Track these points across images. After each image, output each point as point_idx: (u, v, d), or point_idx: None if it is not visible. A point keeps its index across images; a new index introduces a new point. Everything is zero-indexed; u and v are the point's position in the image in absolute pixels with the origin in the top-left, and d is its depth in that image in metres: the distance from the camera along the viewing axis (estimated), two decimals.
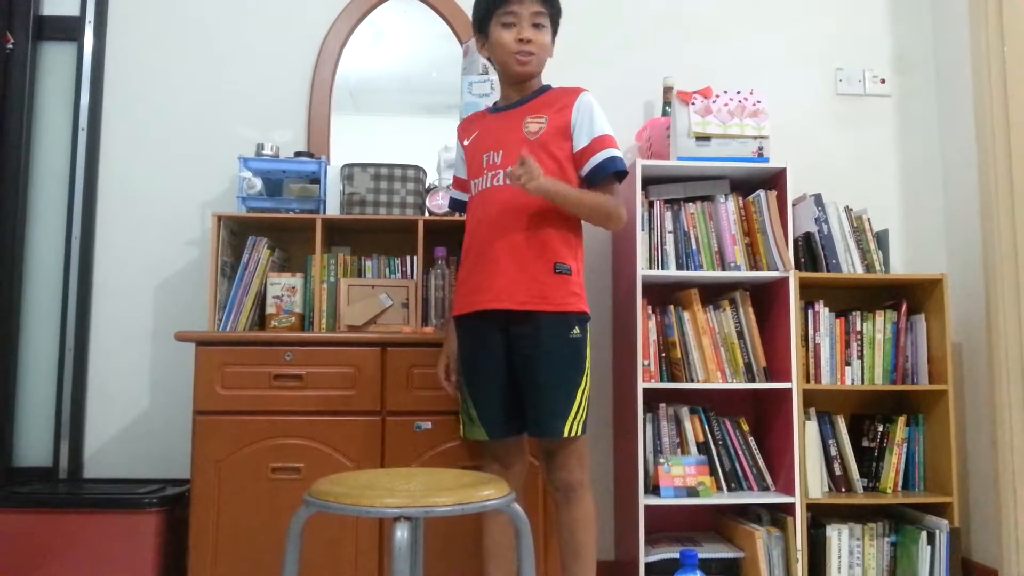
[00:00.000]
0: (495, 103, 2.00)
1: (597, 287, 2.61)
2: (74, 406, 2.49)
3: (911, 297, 2.52)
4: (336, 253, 2.44)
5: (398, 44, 2.74)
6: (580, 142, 1.82)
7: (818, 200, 2.47)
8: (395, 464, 2.07)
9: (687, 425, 2.37)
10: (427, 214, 2.41)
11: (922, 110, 2.82)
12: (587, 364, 1.82)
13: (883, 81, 2.81)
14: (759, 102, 2.39)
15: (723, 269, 2.37)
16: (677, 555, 2.08)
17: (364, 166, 2.39)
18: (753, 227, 2.39)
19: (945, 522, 2.31)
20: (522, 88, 1.90)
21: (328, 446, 2.07)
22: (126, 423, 2.53)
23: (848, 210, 2.50)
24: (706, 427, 2.38)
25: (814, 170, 2.66)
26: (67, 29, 2.63)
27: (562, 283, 1.78)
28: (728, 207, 2.38)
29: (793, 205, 2.45)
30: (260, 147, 2.45)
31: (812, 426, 2.38)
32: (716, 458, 2.36)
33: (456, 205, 2.05)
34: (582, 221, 1.86)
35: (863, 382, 2.44)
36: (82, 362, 2.52)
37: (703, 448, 2.36)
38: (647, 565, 2.21)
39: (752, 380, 2.35)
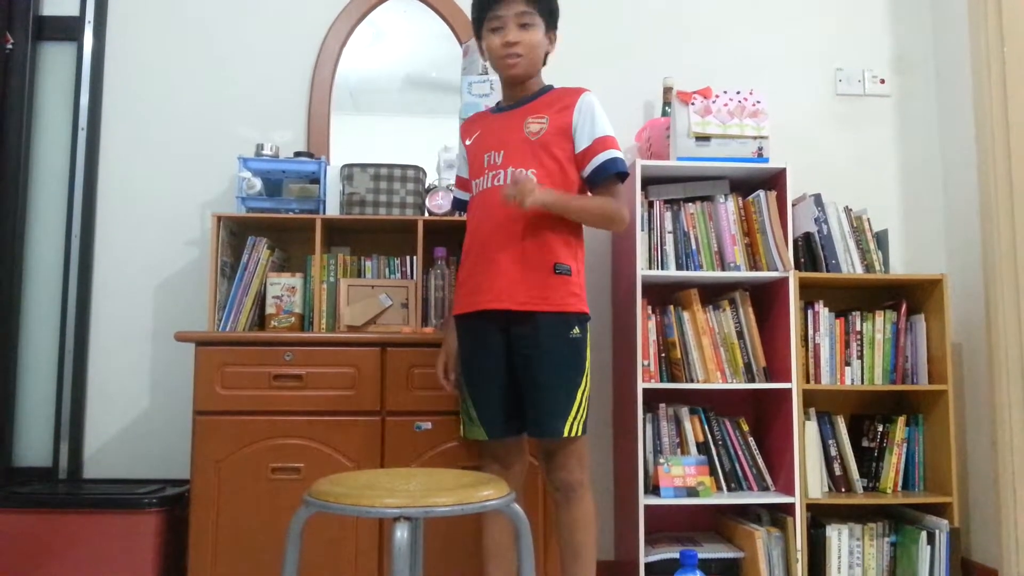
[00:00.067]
0: (498, 103, 2.00)
1: (597, 287, 2.61)
2: (74, 406, 2.49)
3: (911, 297, 2.52)
4: (336, 253, 2.44)
5: (398, 44, 2.74)
6: (581, 143, 1.82)
7: (818, 200, 2.47)
8: (395, 464, 2.07)
9: (687, 425, 2.37)
10: (427, 214, 2.41)
11: (922, 110, 2.82)
12: (587, 364, 1.82)
13: (883, 81, 2.82)
14: (759, 102, 2.40)
15: (723, 269, 2.37)
16: (677, 555, 2.08)
17: (364, 166, 2.39)
18: (753, 227, 2.39)
19: (945, 522, 2.31)
20: (523, 88, 1.90)
21: (328, 446, 2.07)
22: (126, 423, 2.53)
23: (848, 210, 2.50)
24: (706, 427, 2.38)
25: (814, 170, 2.66)
26: (67, 29, 2.63)
27: (562, 283, 1.78)
28: (728, 207, 2.39)
29: (793, 205, 2.45)
30: (260, 147, 2.45)
31: (812, 426, 2.38)
32: (716, 458, 2.36)
33: (459, 205, 2.05)
34: (580, 225, 1.86)
35: (863, 382, 2.44)
36: (82, 362, 2.52)
37: (703, 448, 2.36)
38: (647, 565, 2.21)
39: (752, 380, 2.35)
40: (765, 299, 2.44)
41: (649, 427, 2.34)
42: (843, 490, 2.41)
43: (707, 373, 2.34)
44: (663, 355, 2.38)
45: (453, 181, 2.42)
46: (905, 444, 2.45)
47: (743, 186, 2.48)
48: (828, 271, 2.44)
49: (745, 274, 2.35)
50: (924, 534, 2.31)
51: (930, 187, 2.78)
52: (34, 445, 2.52)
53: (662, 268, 2.36)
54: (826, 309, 2.45)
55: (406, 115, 2.71)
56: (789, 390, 2.30)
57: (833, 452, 2.42)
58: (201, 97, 2.65)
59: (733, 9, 2.81)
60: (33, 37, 2.60)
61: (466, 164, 1.99)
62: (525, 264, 1.77)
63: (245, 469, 2.05)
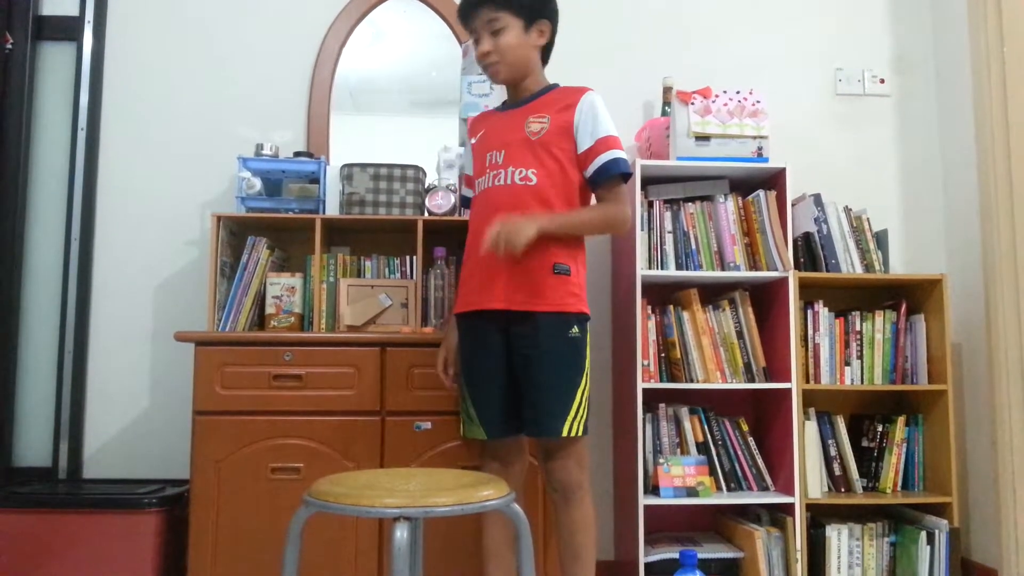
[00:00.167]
0: (504, 101, 2.00)
1: (597, 287, 2.61)
2: (74, 406, 2.49)
3: (911, 297, 2.52)
4: (335, 253, 2.44)
5: (398, 44, 2.74)
6: (583, 143, 1.82)
7: (817, 200, 2.47)
8: (395, 464, 2.07)
9: (687, 425, 2.37)
10: (426, 214, 2.41)
11: (922, 110, 2.82)
12: (587, 364, 1.81)
13: (883, 81, 2.81)
14: (759, 102, 2.39)
15: (723, 269, 2.37)
16: (677, 555, 2.08)
17: (363, 166, 2.39)
18: (752, 227, 2.39)
19: (945, 522, 2.31)
20: (523, 88, 1.90)
21: (328, 446, 2.07)
22: (126, 423, 2.53)
23: (848, 210, 2.50)
24: (706, 427, 2.38)
25: (814, 170, 2.66)
26: (66, 29, 2.63)
27: (561, 283, 1.78)
28: (727, 207, 2.38)
29: (792, 205, 2.45)
30: (259, 147, 2.45)
31: (812, 426, 2.38)
32: (716, 458, 2.36)
33: (465, 202, 2.05)
34: None
35: (862, 382, 2.44)
36: (82, 362, 2.52)
37: (703, 448, 2.36)
38: (647, 565, 2.21)
39: (752, 380, 2.35)
40: (765, 299, 2.44)
41: (649, 427, 2.34)
42: (843, 490, 2.41)
43: (707, 373, 2.34)
44: (663, 355, 2.38)
45: (453, 181, 2.43)
46: (905, 444, 2.45)
47: (743, 186, 2.48)
48: (828, 271, 2.44)
49: (745, 274, 2.35)
50: (924, 534, 2.31)
51: (930, 187, 2.78)
52: (34, 445, 2.52)
53: (662, 268, 2.36)
54: (826, 309, 2.45)
55: (406, 115, 2.71)
56: (789, 390, 2.30)
57: (833, 452, 2.42)
58: (201, 97, 2.65)
59: (733, 9, 2.81)
60: (33, 37, 2.60)
61: (472, 162, 1.99)
62: (523, 264, 1.77)
63: (245, 469, 2.05)
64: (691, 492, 2.26)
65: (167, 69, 2.65)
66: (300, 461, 2.06)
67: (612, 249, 2.64)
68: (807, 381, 2.40)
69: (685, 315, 2.36)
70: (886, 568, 2.38)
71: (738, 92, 2.40)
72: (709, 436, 2.37)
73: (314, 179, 2.49)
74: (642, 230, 2.35)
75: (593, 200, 1.89)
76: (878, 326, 2.46)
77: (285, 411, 2.07)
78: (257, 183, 2.40)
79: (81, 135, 2.57)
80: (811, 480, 2.32)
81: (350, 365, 2.10)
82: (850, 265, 2.46)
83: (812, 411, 2.40)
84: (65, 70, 2.63)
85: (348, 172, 2.39)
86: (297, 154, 2.47)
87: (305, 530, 1.43)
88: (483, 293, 1.81)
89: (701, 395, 2.45)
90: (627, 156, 1.84)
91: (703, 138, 2.37)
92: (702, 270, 2.37)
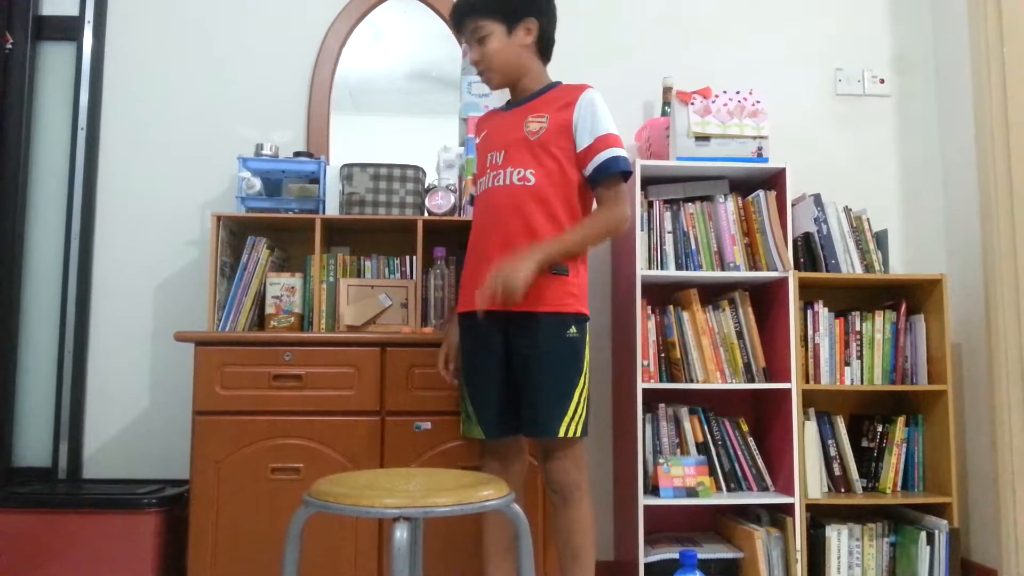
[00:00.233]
0: (508, 100, 1.99)
1: (597, 287, 2.61)
2: (74, 406, 2.49)
3: (910, 297, 2.52)
4: (335, 253, 2.44)
5: (398, 44, 2.74)
6: (582, 142, 1.81)
7: (817, 200, 2.47)
8: (394, 464, 2.07)
9: (686, 425, 2.37)
10: (426, 214, 2.41)
11: (922, 110, 2.82)
12: (585, 365, 1.81)
13: (883, 81, 2.81)
14: (758, 102, 2.39)
15: (722, 269, 2.37)
16: (677, 555, 2.09)
17: (363, 166, 2.39)
18: (752, 227, 2.38)
19: (944, 522, 2.31)
20: (522, 88, 1.90)
21: (327, 446, 2.07)
22: (126, 423, 2.53)
23: (847, 210, 2.50)
24: (705, 427, 2.38)
25: (813, 170, 2.66)
26: (66, 29, 2.63)
27: (559, 284, 1.78)
28: (727, 207, 2.38)
29: (792, 205, 2.45)
30: (259, 147, 2.45)
31: (811, 426, 2.38)
32: (715, 458, 2.36)
33: (473, 201, 2.05)
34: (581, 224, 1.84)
35: (862, 382, 2.44)
36: (82, 362, 2.52)
37: (702, 448, 2.36)
38: (647, 565, 2.21)
39: (751, 380, 2.35)
40: (765, 299, 2.44)
41: (649, 427, 2.34)
42: (843, 490, 2.41)
43: (707, 373, 2.34)
44: (663, 355, 2.38)
45: (453, 181, 2.44)
46: (905, 444, 2.45)
47: (743, 186, 2.48)
48: (828, 271, 2.44)
49: (745, 274, 2.35)
50: (924, 534, 2.31)
51: (930, 187, 2.78)
52: (34, 445, 2.52)
53: (662, 268, 2.36)
54: (826, 309, 2.45)
55: (406, 115, 2.71)
56: (789, 390, 2.30)
57: (833, 452, 2.42)
58: (201, 97, 2.65)
59: (733, 9, 2.81)
60: (33, 37, 2.60)
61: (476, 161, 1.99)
62: None
63: (245, 469, 2.05)
64: (691, 492, 2.26)
65: (167, 69, 2.65)
66: (300, 461, 2.06)
67: (612, 249, 2.64)
68: (807, 381, 2.40)
69: (685, 315, 2.36)
70: (886, 568, 2.38)
71: (738, 92, 2.40)
72: (709, 436, 2.37)
73: (314, 179, 2.49)
74: (642, 230, 2.35)
75: (594, 204, 1.88)
76: (878, 326, 2.46)
77: (285, 411, 2.07)
78: (257, 183, 2.40)
79: (81, 135, 2.57)
80: (811, 480, 2.32)
81: (350, 365, 2.10)
82: (850, 265, 2.46)
83: (812, 411, 2.40)
84: (65, 70, 2.63)
85: (348, 172, 2.39)
86: (297, 154, 2.47)
87: (305, 530, 1.43)
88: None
89: (701, 395, 2.45)
90: (627, 154, 1.83)
91: (703, 138, 2.37)
92: (702, 270, 2.37)
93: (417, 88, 2.72)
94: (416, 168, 2.42)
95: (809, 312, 2.44)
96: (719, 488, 2.34)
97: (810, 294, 2.47)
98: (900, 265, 2.74)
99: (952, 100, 2.73)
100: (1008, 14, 2.51)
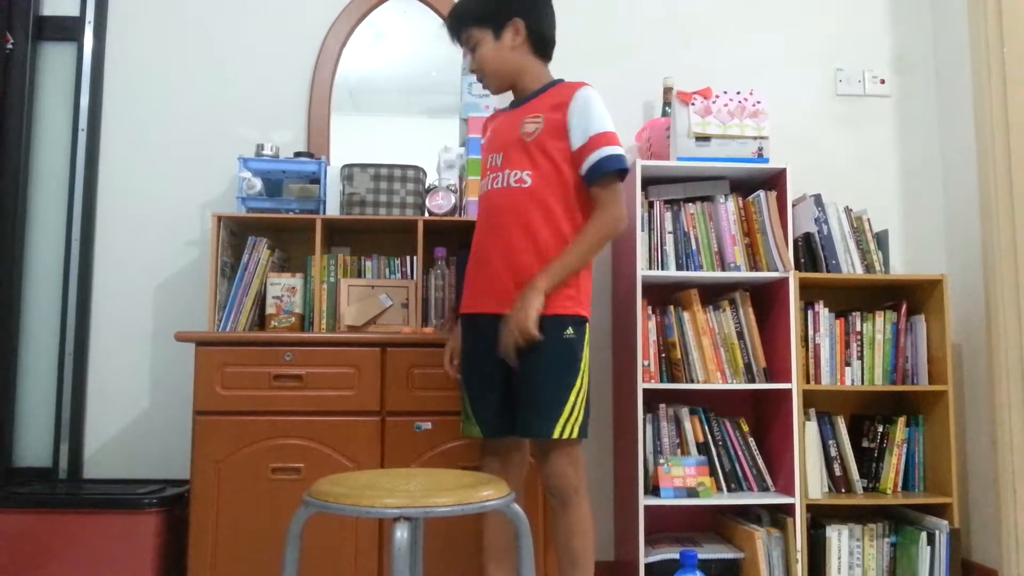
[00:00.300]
0: (511, 100, 1.98)
1: (597, 287, 2.59)
2: (74, 406, 2.49)
3: (911, 297, 2.52)
4: (336, 253, 2.44)
5: (398, 44, 2.74)
6: (576, 141, 1.79)
7: (818, 200, 2.47)
8: (395, 464, 2.07)
9: (687, 425, 2.37)
10: (427, 214, 2.41)
11: (922, 110, 2.82)
12: (583, 366, 1.78)
13: (883, 81, 2.81)
14: (759, 102, 2.39)
15: (723, 269, 2.37)
16: (677, 556, 2.08)
17: (364, 166, 2.39)
18: (753, 227, 2.38)
19: (945, 523, 2.31)
20: (521, 88, 1.90)
21: (328, 446, 2.07)
22: (126, 423, 2.53)
23: (848, 210, 2.50)
24: (706, 427, 2.38)
25: (814, 170, 2.66)
26: (67, 29, 2.63)
27: (557, 286, 1.76)
28: (728, 207, 2.38)
29: (793, 205, 2.45)
30: (260, 147, 2.45)
31: (812, 427, 2.38)
32: (716, 459, 2.36)
33: None
34: (580, 224, 1.81)
35: (863, 383, 2.44)
36: (82, 362, 2.52)
37: (703, 449, 2.36)
38: (647, 566, 2.21)
39: (752, 380, 2.35)
40: (765, 299, 2.44)
41: (649, 427, 2.34)
42: (843, 491, 2.41)
43: (707, 373, 2.34)
44: (663, 355, 2.38)
45: (453, 181, 2.44)
46: (905, 444, 2.45)
47: (743, 186, 2.48)
48: (828, 271, 2.44)
49: (745, 274, 2.35)
50: (924, 535, 2.31)
51: (930, 187, 2.78)
52: (34, 445, 2.52)
53: (662, 268, 2.36)
54: (826, 309, 2.45)
55: (406, 115, 2.71)
56: (789, 390, 2.30)
57: (833, 452, 2.42)
58: (201, 97, 2.65)
59: (733, 9, 2.81)
60: (33, 37, 2.60)
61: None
62: (519, 267, 1.76)
63: (245, 469, 2.05)
64: (691, 492, 2.26)
65: (168, 69, 2.65)
66: (300, 461, 2.06)
67: (613, 249, 2.64)
68: (807, 381, 2.40)
69: (685, 315, 2.36)
70: (886, 569, 2.38)
71: (738, 92, 2.40)
72: (709, 436, 2.37)
73: (314, 179, 2.49)
74: (642, 230, 2.35)
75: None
76: (878, 326, 2.46)
77: (285, 411, 2.07)
78: (257, 183, 2.40)
79: (81, 135, 2.57)
80: (811, 481, 2.32)
81: (350, 365, 2.10)
82: (850, 265, 2.46)
83: (812, 411, 2.40)
84: (65, 70, 2.63)
85: (348, 172, 2.39)
86: (297, 154, 2.48)
87: (305, 530, 1.42)
88: (482, 296, 1.82)
89: (701, 395, 2.45)
90: (624, 151, 1.80)
91: (703, 138, 2.37)
92: (702, 270, 2.37)
93: (417, 88, 2.72)
94: (417, 168, 2.42)
95: (810, 312, 2.44)
96: (719, 488, 2.34)
97: (811, 294, 2.47)
98: (900, 265, 2.74)
99: (952, 100, 2.73)
100: (1008, 14, 2.51)
